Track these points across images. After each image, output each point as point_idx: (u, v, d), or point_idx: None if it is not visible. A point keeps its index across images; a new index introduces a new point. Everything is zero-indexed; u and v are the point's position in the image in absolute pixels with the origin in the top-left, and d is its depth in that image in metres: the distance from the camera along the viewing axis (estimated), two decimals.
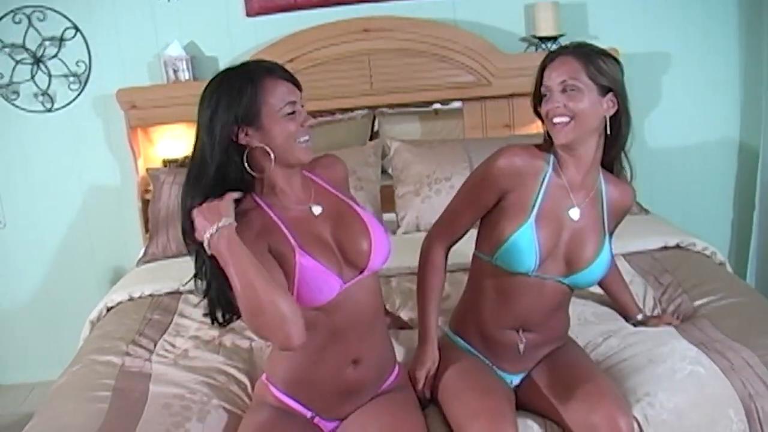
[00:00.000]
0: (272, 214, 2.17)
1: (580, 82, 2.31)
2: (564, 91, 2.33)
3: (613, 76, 2.34)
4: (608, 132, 2.38)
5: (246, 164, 2.13)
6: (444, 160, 4.06)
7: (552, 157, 2.45)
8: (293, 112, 2.14)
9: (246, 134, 2.11)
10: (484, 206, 2.48)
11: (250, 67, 2.15)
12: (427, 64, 4.37)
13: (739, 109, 4.71)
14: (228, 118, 2.08)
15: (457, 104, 4.56)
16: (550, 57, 2.39)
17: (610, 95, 2.35)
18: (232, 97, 2.08)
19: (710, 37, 4.59)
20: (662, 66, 4.62)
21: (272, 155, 2.12)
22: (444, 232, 2.58)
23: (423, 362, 2.51)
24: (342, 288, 2.18)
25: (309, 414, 2.31)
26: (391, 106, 4.51)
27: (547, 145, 2.46)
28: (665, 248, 3.55)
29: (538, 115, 2.44)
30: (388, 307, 3.08)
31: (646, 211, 4.08)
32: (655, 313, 3.00)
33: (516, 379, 2.54)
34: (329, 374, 2.25)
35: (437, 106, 4.59)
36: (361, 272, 2.24)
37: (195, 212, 2.04)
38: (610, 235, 2.50)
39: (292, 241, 2.13)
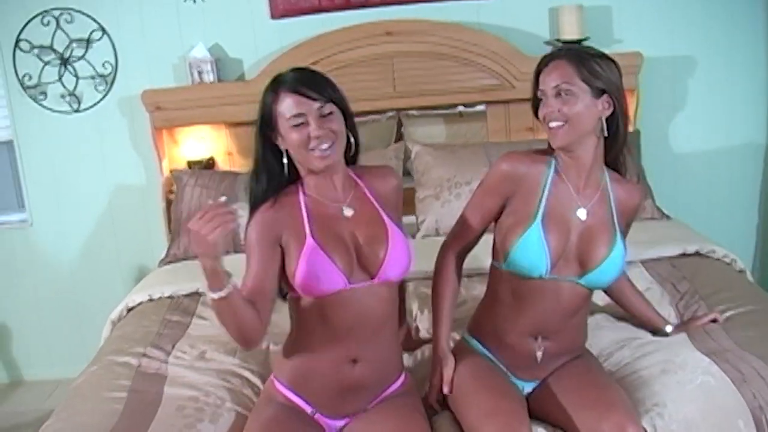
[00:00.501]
0: (303, 204, 2.33)
1: (574, 86, 2.33)
2: (558, 95, 2.35)
3: (607, 78, 2.35)
4: (606, 133, 2.39)
5: (287, 161, 2.33)
6: (464, 164, 4.06)
7: (553, 161, 2.46)
8: (300, 124, 2.24)
9: (277, 139, 2.32)
10: (490, 212, 2.52)
11: (279, 76, 2.32)
12: (450, 67, 4.39)
13: (764, 114, 4.68)
14: (260, 127, 2.32)
15: (481, 107, 4.55)
16: (545, 61, 2.41)
17: (605, 97, 2.35)
18: (261, 102, 2.32)
19: (735, 40, 4.56)
20: (687, 70, 4.60)
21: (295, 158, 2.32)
22: (456, 241, 2.61)
23: (434, 370, 2.53)
24: (347, 287, 2.27)
25: (310, 410, 2.37)
26: (415, 108, 4.51)
27: (548, 149, 2.48)
28: (684, 255, 3.53)
29: (538, 118, 2.45)
30: (409, 309, 3.12)
31: (668, 217, 4.06)
32: (673, 319, 2.96)
33: (528, 387, 2.54)
34: (328, 370, 2.32)
35: (462, 108, 4.58)
36: (372, 278, 2.30)
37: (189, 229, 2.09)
38: (623, 234, 2.49)
39: (307, 228, 2.28)
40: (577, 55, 2.36)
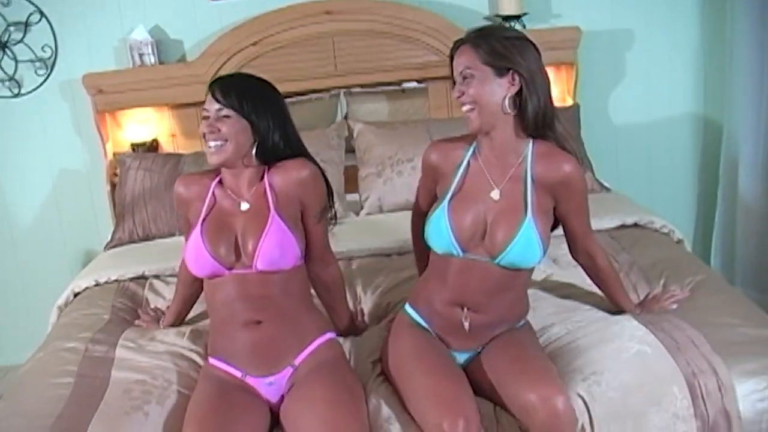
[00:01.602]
0: (211, 191, 2.62)
1: (476, 69, 2.40)
2: (464, 79, 2.42)
3: (510, 56, 2.38)
4: (512, 111, 2.42)
5: None
6: (406, 142, 4.10)
7: (474, 144, 2.54)
8: (205, 117, 2.54)
9: None
10: (429, 192, 2.68)
11: (221, 76, 2.65)
12: (390, 45, 4.40)
13: (702, 85, 4.77)
14: None
15: (422, 83, 4.57)
16: (454, 46, 2.49)
17: (509, 74, 2.39)
18: None
19: (672, 13, 4.64)
20: (625, 43, 4.66)
21: None
22: (415, 206, 2.84)
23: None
24: (228, 273, 2.52)
25: (240, 373, 2.50)
26: (356, 86, 4.52)
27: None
28: (623, 227, 3.60)
29: None
30: (353, 291, 3.18)
31: (607, 189, 4.12)
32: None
33: (461, 358, 2.59)
34: (237, 332, 2.50)
35: (405, 85, 4.60)
36: (250, 267, 2.51)
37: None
38: (543, 211, 2.49)
39: (202, 215, 2.57)
40: (480, 38, 2.42)
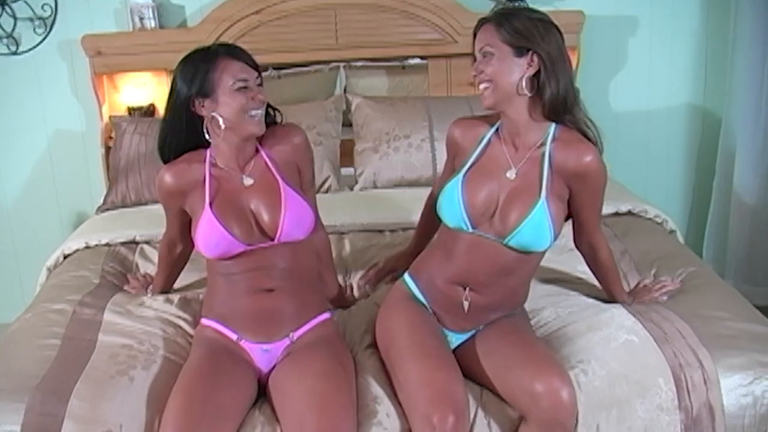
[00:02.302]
0: (208, 172, 2.54)
1: (494, 47, 2.39)
2: (484, 57, 2.42)
3: (529, 37, 2.37)
4: (529, 92, 2.41)
5: (206, 129, 2.52)
6: (404, 118, 4.08)
7: (497, 124, 2.54)
8: (244, 87, 2.44)
9: (201, 105, 2.49)
10: (450, 170, 2.68)
11: (212, 49, 2.50)
12: (393, 20, 4.37)
13: (703, 76, 4.76)
14: (186, 91, 2.48)
15: (423, 60, 4.56)
16: (478, 25, 2.47)
17: (528, 55, 2.38)
18: (191, 73, 2.47)
19: (677, 2, 4.62)
20: (628, 29, 4.65)
21: (222, 125, 2.47)
22: (434, 187, 2.88)
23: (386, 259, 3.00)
24: (246, 249, 2.47)
25: (235, 336, 2.51)
26: (357, 60, 4.51)
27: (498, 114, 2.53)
28: (617, 214, 3.59)
29: None
30: (343, 265, 3.18)
31: None
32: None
33: (456, 339, 2.58)
34: (246, 298, 2.50)
35: (406, 61, 4.59)
36: (273, 240, 2.49)
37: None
38: (558, 197, 2.47)
39: (207, 198, 2.49)
40: (502, 16, 2.42)
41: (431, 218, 2.75)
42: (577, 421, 2.33)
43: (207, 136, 2.53)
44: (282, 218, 2.46)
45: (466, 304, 2.52)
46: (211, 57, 2.46)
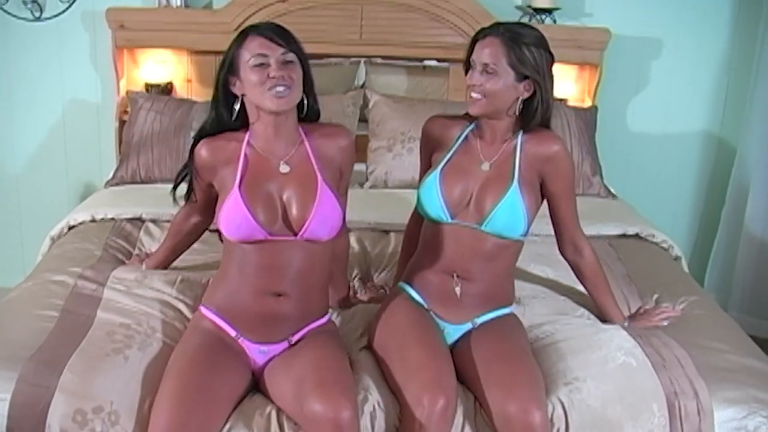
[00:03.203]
0: (243, 153, 2.47)
1: (500, 67, 2.49)
2: (484, 71, 2.49)
3: (534, 65, 2.49)
4: (520, 113, 2.57)
5: (238, 107, 2.48)
6: (421, 120, 3.92)
7: (473, 124, 2.66)
8: (261, 64, 2.37)
9: (234, 84, 2.45)
10: (425, 166, 2.77)
11: (251, 25, 2.47)
12: (418, 21, 4.37)
13: (722, 105, 4.75)
14: (223, 70, 2.45)
15: (445, 63, 4.54)
16: (483, 33, 2.56)
17: (527, 81, 2.51)
18: (227, 52, 2.45)
19: (703, 29, 4.62)
20: (652, 52, 4.64)
21: (251, 103, 2.45)
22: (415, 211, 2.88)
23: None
24: (267, 237, 2.40)
25: (234, 333, 2.48)
26: (378, 57, 4.50)
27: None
28: (624, 236, 3.59)
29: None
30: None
31: (613, 196, 4.11)
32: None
33: (454, 332, 2.62)
34: (252, 300, 2.45)
35: (427, 62, 4.57)
36: (295, 235, 2.43)
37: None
38: (529, 184, 2.58)
39: (237, 179, 2.43)
40: (512, 38, 2.49)
41: (410, 238, 2.88)
42: None
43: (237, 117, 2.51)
44: (312, 214, 2.40)
45: (457, 290, 2.60)
46: (243, 34, 2.43)
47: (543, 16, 4.36)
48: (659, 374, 2.45)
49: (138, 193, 3.78)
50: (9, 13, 4.37)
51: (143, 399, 2.30)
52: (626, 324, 2.77)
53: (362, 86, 4.49)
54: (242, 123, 2.51)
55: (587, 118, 4.26)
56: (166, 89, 4.43)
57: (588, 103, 4.47)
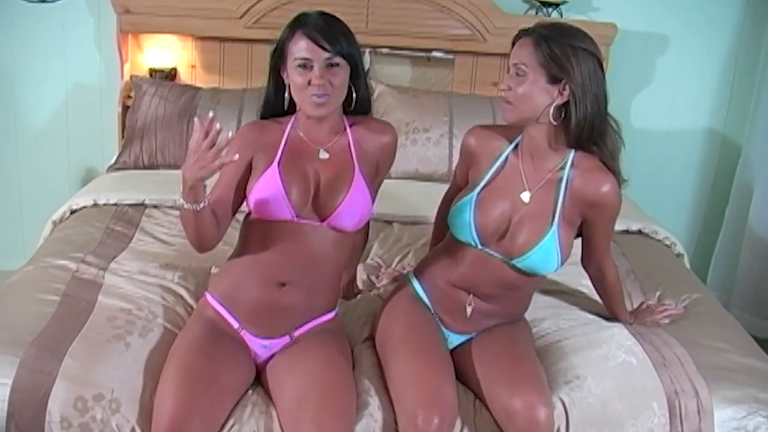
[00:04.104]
0: (286, 135, 2.46)
1: (528, 68, 2.32)
2: (516, 73, 2.35)
3: (569, 67, 2.28)
4: (554, 120, 2.34)
5: (287, 94, 2.46)
6: (426, 111, 4.08)
7: (517, 140, 2.48)
8: (303, 66, 2.33)
9: (284, 71, 2.43)
10: (461, 176, 2.64)
11: (303, 17, 2.40)
12: (424, 12, 4.35)
13: (727, 103, 4.75)
14: (275, 55, 2.44)
15: (450, 54, 4.54)
16: (519, 35, 2.39)
17: (561, 84, 2.31)
18: (281, 37, 2.42)
19: (710, 26, 4.61)
20: (659, 48, 4.63)
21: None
22: (445, 198, 2.78)
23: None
24: (293, 220, 2.38)
25: (237, 325, 2.47)
26: (383, 47, 4.48)
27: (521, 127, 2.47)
28: (627, 232, 3.58)
29: None
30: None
31: None
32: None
33: (455, 340, 2.58)
34: (256, 289, 2.43)
35: (433, 54, 4.56)
36: (322, 221, 2.41)
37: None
38: (570, 224, 2.45)
39: (278, 156, 2.41)
40: (546, 38, 2.31)
41: (440, 227, 2.76)
42: None
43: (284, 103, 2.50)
44: (342, 202, 2.38)
45: (469, 309, 2.52)
46: (295, 26, 2.38)
47: (550, 10, 4.35)
48: (659, 373, 2.45)
49: (141, 179, 3.78)
50: None
51: (144, 387, 2.30)
52: (630, 322, 2.75)
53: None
54: (292, 107, 2.50)
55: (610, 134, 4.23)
56: (170, 75, 4.42)
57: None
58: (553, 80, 2.30)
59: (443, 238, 2.67)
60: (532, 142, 2.43)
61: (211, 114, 2.14)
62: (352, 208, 2.40)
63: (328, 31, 2.35)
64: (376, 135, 2.53)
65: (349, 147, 2.47)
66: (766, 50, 4.40)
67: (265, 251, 2.41)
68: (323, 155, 2.45)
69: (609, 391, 2.39)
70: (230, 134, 2.19)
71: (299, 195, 2.38)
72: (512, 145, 2.48)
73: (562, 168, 2.41)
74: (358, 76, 2.44)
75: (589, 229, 2.49)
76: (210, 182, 2.27)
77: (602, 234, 2.51)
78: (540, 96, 2.32)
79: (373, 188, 2.53)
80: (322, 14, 2.41)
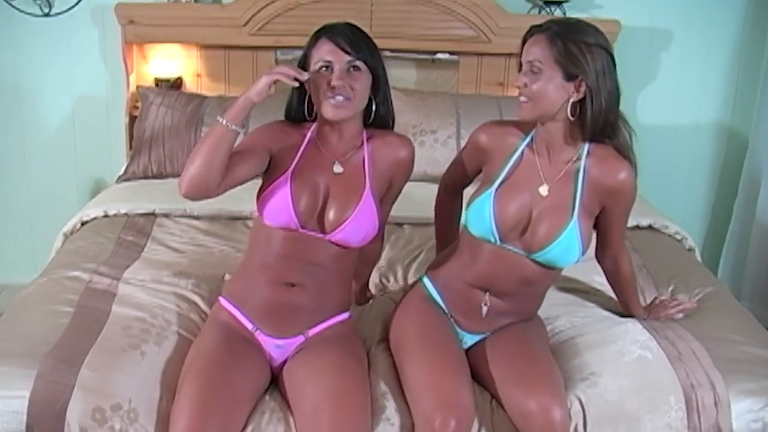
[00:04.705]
0: (306, 140, 2.47)
1: (544, 65, 2.30)
2: (531, 71, 2.33)
3: (585, 63, 2.28)
4: (571, 116, 2.34)
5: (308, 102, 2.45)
6: (432, 113, 4.08)
7: (530, 135, 2.48)
8: (324, 69, 2.35)
9: (308, 82, 2.40)
10: (468, 169, 2.65)
11: (328, 26, 2.43)
12: (428, 14, 4.36)
13: (733, 95, 4.74)
14: (300, 63, 2.43)
15: (455, 56, 4.54)
16: (531, 32, 2.38)
17: (577, 81, 2.30)
18: (306, 45, 2.43)
19: (713, 19, 4.60)
20: (662, 43, 4.63)
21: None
22: (446, 176, 2.78)
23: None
24: (297, 229, 2.40)
25: (251, 326, 2.49)
26: (387, 50, 4.48)
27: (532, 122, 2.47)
28: (637, 228, 3.59)
29: None
30: None
31: None
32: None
33: (470, 340, 2.58)
34: (266, 289, 2.45)
35: (437, 55, 4.57)
36: (324, 234, 2.42)
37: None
38: (589, 214, 2.46)
39: (294, 163, 2.42)
40: (560, 34, 2.30)
41: (444, 217, 2.78)
42: None
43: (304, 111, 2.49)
44: (347, 220, 2.39)
45: (484, 309, 2.52)
46: (320, 33, 2.41)
47: (553, 8, 4.35)
48: (675, 367, 2.45)
49: (150, 189, 3.78)
50: (18, 9, 4.36)
51: (162, 396, 2.31)
52: (644, 317, 2.75)
53: None
54: (311, 115, 2.49)
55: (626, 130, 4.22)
56: (176, 84, 4.43)
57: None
58: (569, 77, 2.30)
59: (446, 230, 2.73)
60: (548, 136, 2.42)
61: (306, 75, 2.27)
62: (358, 226, 2.40)
63: (352, 37, 2.37)
64: (392, 149, 2.51)
65: (364, 161, 2.47)
66: None
67: (271, 255, 2.44)
68: (337, 169, 2.45)
69: (625, 387, 2.39)
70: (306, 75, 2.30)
71: (307, 207, 2.40)
72: (526, 140, 2.48)
73: (578, 159, 2.42)
74: (378, 89, 2.45)
75: (606, 218, 2.49)
76: None
77: (618, 224, 2.52)
78: (556, 93, 2.31)
79: (385, 203, 2.56)
80: (348, 24, 2.43)
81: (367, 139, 2.50)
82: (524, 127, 2.50)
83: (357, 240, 2.43)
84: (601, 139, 2.41)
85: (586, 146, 2.42)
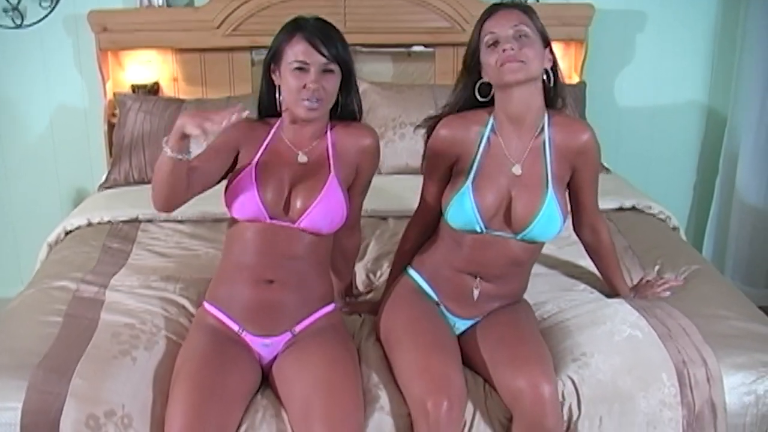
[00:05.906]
0: (270, 135, 2.52)
1: (531, 32, 2.39)
2: (518, 37, 2.36)
3: (547, 34, 2.45)
4: (550, 82, 2.47)
5: (278, 95, 2.49)
6: (411, 105, 4.08)
7: (491, 120, 2.50)
8: (300, 69, 2.37)
9: (275, 73, 2.47)
10: (441, 176, 2.59)
11: (301, 20, 2.44)
12: (402, 7, 4.36)
13: (710, 75, 4.76)
14: (268, 55, 2.48)
15: (430, 48, 4.54)
16: (494, 9, 2.44)
17: (548, 49, 2.45)
18: (276, 38, 2.45)
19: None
20: (637, 25, 4.64)
21: (284, 98, 2.46)
22: (419, 211, 2.71)
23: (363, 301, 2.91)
24: (266, 221, 2.43)
25: (237, 327, 2.48)
26: (363, 45, 4.49)
27: (488, 107, 2.51)
28: (621, 209, 3.60)
29: (469, 70, 2.50)
30: None
31: (608, 170, 4.12)
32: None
33: (462, 325, 2.60)
34: (246, 287, 2.46)
35: (413, 48, 4.57)
36: (293, 222, 2.44)
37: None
38: (562, 181, 2.52)
39: (258, 156, 2.46)
40: (526, 8, 2.45)
41: (407, 256, 2.73)
42: (580, 412, 2.35)
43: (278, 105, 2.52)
44: (313, 205, 2.41)
45: (476, 292, 2.54)
46: (293, 29, 2.41)
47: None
48: (666, 344, 2.46)
49: (132, 195, 3.77)
50: None
51: (155, 400, 2.30)
52: (631, 296, 2.78)
53: None
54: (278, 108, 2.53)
55: (576, 94, 4.25)
56: (153, 89, 4.42)
57: (576, 80, 4.46)
58: (545, 44, 2.43)
59: (407, 258, 2.72)
60: (522, 106, 2.43)
61: (246, 113, 2.19)
62: (323, 210, 2.43)
63: (327, 36, 2.39)
64: (355, 138, 2.54)
65: (327, 150, 2.50)
66: (744, 19, 4.42)
67: (246, 253, 2.46)
68: (302, 159, 2.49)
69: (617, 366, 2.40)
70: (246, 113, 2.20)
71: (273, 196, 2.42)
72: (489, 126, 2.50)
73: (542, 131, 2.48)
74: (348, 84, 2.48)
75: (577, 183, 2.56)
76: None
77: (589, 186, 2.59)
78: (540, 60, 2.41)
79: (356, 192, 2.59)
80: (320, 19, 2.45)
81: (331, 129, 2.54)
82: (481, 115, 2.52)
83: (326, 225, 2.45)
84: (558, 107, 2.53)
85: (545, 117, 2.49)
